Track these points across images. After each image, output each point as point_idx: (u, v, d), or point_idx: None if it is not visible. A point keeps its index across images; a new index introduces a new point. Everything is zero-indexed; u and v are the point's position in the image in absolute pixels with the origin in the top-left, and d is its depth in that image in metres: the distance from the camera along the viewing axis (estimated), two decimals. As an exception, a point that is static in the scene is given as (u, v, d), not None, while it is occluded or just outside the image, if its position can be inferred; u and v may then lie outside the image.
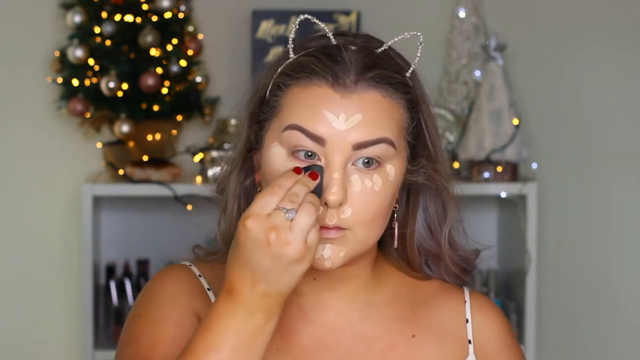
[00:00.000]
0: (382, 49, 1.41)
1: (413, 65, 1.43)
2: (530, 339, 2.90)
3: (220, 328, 1.27)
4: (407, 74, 1.41)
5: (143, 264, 3.00)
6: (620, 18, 3.13)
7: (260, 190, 1.41)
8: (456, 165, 2.96)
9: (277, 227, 1.24)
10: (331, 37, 1.41)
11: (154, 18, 2.84)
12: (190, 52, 2.89)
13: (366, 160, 1.36)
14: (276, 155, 1.37)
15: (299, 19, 1.41)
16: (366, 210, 1.36)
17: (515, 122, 2.89)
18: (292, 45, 1.41)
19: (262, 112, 1.41)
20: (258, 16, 2.97)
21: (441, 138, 2.90)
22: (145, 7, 2.84)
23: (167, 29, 2.86)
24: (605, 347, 3.18)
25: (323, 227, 1.34)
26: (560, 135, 3.14)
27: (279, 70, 1.41)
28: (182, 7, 2.88)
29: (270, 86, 1.41)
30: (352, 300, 1.46)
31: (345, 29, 2.97)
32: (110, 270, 2.98)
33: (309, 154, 1.35)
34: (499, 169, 2.89)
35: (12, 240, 3.06)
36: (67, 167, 3.04)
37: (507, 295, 3.04)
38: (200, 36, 2.95)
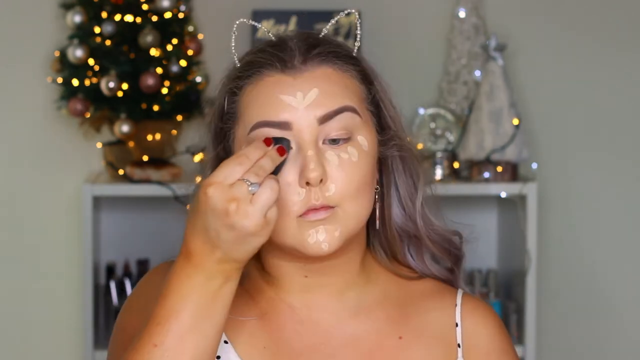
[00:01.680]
0: (322, 35, 1.44)
1: (356, 43, 1.45)
2: (530, 339, 2.90)
3: (179, 292, 1.27)
4: (354, 54, 1.44)
5: (143, 264, 3.00)
6: (620, 18, 3.13)
7: None
8: (456, 165, 2.96)
9: (238, 198, 1.24)
10: (270, 35, 1.44)
11: (154, 18, 2.84)
12: (190, 52, 2.89)
13: (332, 139, 1.36)
14: None
15: (236, 24, 1.45)
16: (349, 182, 1.36)
17: (515, 122, 2.89)
18: (236, 54, 1.44)
19: (224, 124, 1.42)
20: (258, 16, 2.96)
21: (435, 138, 2.91)
22: (145, 7, 2.84)
23: (167, 29, 2.86)
24: (605, 347, 3.18)
25: (311, 210, 1.34)
26: (560, 135, 3.14)
27: (230, 77, 1.43)
28: (182, 7, 2.88)
29: (226, 98, 1.42)
30: (342, 298, 1.45)
31: (345, 29, 2.97)
32: (110, 270, 2.98)
33: None
34: (499, 169, 2.89)
35: (12, 240, 3.05)
36: (67, 167, 3.04)
37: (507, 295, 3.04)
38: (200, 36, 2.95)
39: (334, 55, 1.41)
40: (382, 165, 1.46)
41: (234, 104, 1.41)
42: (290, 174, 1.35)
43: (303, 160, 1.34)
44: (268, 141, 1.30)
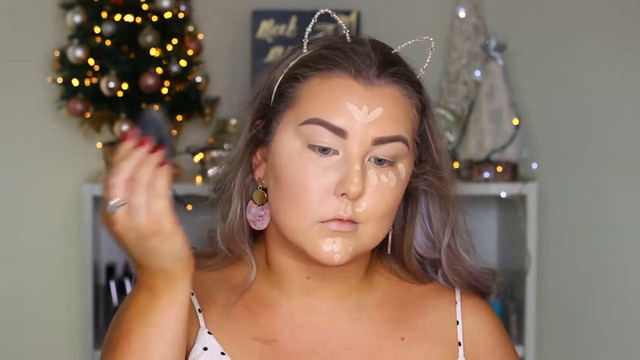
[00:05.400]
0: (395, 51, 1.42)
1: (422, 70, 1.44)
2: (530, 339, 2.90)
3: (127, 312, 1.33)
4: (418, 76, 1.43)
5: (143, 264, 3.00)
6: (621, 18, 3.13)
7: (260, 188, 1.42)
8: (456, 165, 2.96)
9: (116, 219, 1.28)
10: (347, 34, 1.42)
11: (154, 18, 2.84)
12: (190, 52, 2.89)
13: (379, 159, 1.36)
14: (290, 148, 1.37)
15: (318, 13, 1.43)
16: (380, 205, 1.36)
17: (515, 122, 2.89)
18: (307, 40, 1.41)
19: (274, 104, 1.40)
20: (258, 16, 2.96)
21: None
22: (145, 7, 2.84)
23: (167, 29, 2.86)
24: (605, 347, 3.18)
25: (337, 219, 1.34)
26: (560, 135, 3.14)
27: (295, 60, 1.40)
28: (182, 7, 2.88)
29: (282, 77, 1.40)
30: (341, 301, 1.45)
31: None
32: (110, 270, 2.98)
33: (324, 149, 1.35)
34: (499, 169, 2.89)
35: (12, 240, 3.05)
36: (67, 167, 3.04)
37: (507, 295, 3.04)
38: (200, 36, 2.95)
39: (406, 78, 1.40)
40: (409, 195, 1.45)
41: (291, 89, 1.38)
42: (329, 178, 1.34)
43: (348, 172, 1.34)
44: (125, 136, 1.27)
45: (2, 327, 3.06)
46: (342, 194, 1.33)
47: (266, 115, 1.41)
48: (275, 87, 1.40)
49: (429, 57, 1.44)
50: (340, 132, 1.34)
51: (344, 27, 1.43)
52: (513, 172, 2.92)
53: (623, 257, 3.17)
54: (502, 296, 3.03)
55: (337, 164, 1.34)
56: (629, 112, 3.15)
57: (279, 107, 1.39)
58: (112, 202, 1.24)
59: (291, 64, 1.40)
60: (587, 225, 3.16)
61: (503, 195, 2.91)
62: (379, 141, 1.35)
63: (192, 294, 1.44)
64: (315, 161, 1.35)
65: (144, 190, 1.25)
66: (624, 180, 3.15)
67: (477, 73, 3.01)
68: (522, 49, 3.08)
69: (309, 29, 1.42)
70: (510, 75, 2.99)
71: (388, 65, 1.38)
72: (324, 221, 1.34)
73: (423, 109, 1.42)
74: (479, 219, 3.09)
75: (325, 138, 1.35)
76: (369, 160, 1.36)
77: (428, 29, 3.07)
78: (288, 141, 1.37)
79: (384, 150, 1.36)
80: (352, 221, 1.35)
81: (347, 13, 2.97)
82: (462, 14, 3.03)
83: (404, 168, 1.39)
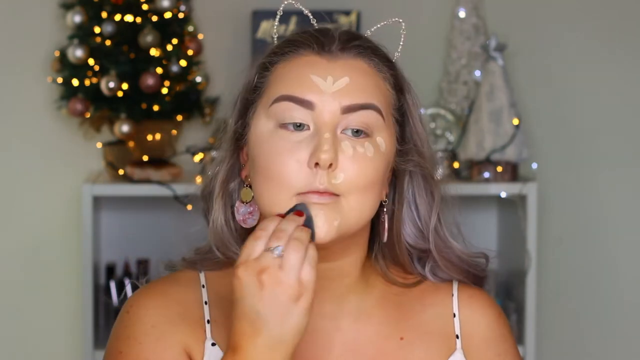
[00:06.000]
0: (367, 35, 1.44)
1: (397, 53, 1.45)
2: (530, 339, 2.90)
3: None
4: (393, 60, 1.44)
5: (143, 264, 3.00)
6: (621, 18, 3.13)
7: (247, 186, 1.41)
8: (456, 165, 2.96)
9: (267, 267, 1.22)
10: (314, 21, 1.45)
11: (154, 18, 2.84)
12: (190, 52, 2.89)
13: (355, 130, 1.36)
14: (263, 131, 1.37)
15: (284, 3, 1.46)
16: (359, 175, 1.34)
17: (515, 122, 2.89)
18: (277, 34, 1.45)
19: (250, 98, 1.41)
20: (258, 16, 2.97)
21: (435, 138, 2.91)
22: (145, 7, 2.84)
23: (167, 29, 2.86)
24: (605, 347, 3.18)
25: (315, 192, 1.33)
26: (560, 135, 3.14)
27: (265, 53, 1.42)
28: (182, 7, 2.88)
29: (257, 72, 1.41)
30: (342, 302, 1.44)
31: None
32: (110, 270, 2.99)
33: (298, 125, 1.35)
34: (499, 169, 2.89)
35: (12, 240, 3.05)
36: (67, 167, 3.04)
37: (507, 295, 3.04)
38: (200, 36, 2.95)
39: (372, 51, 1.41)
40: (397, 181, 1.45)
41: (263, 79, 1.40)
42: (302, 152, 1.33)
43: (318, 142, 1.33)
44: (281, 215, 1.29)
45: (2, 327, 3.06)
46: (316, 165, 1.32)
47: (247, 114, 1.42)
48: (254, 80, 1.41)
49: (402, 39, 1.46)
50: (307, 104, 1.35)
51: (311, 16, 1.46)
52: (513, 172, 2.92)
53: (622, 256, 3.17)
54: (502, 296, 3.04)
55: (308, 137, 1.34)
56: (629, 112, 3.15)
57: (252, 99, 1.41)
58: (279, 248, 1.23)
59: (262, 58, 1.42)
60: (587, 225, 3.16)
61: (503, 195, 2.91)
62: (348, 109, 1.35)
63: (206, 304, 1.43)
64: (287, 137, 1.35)
65: (297, 248, 1.23)
66: (624, 180, 3.15)
67: (477, 73, 3.01)
68: (522, 49, 3.08)
69: (276, 23, 1.45)
70: (510, 75, 2.99)
71: (351, 40, 1.40)
72: (301, 193, 1.33)
73: (399, 88, 1.42)
74: (479, 219, 3.12)
75: (295, 113, 1.35)
76: (343, 132, 1.35)
77: (428, 29, 3.07)
78: (261, 125, 1.38)
79: (355, 119, 1.36)
80: (331, 193, 1.33)
81: (347, 13, 2.97)
82: (462, 14, 3.03)
83: (383, 141, 1.38)
